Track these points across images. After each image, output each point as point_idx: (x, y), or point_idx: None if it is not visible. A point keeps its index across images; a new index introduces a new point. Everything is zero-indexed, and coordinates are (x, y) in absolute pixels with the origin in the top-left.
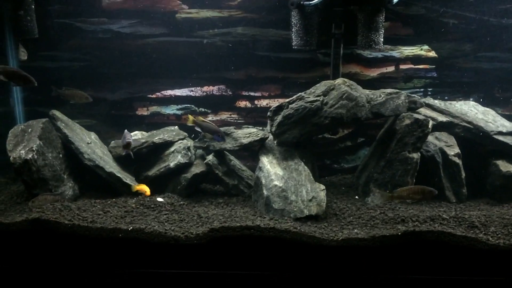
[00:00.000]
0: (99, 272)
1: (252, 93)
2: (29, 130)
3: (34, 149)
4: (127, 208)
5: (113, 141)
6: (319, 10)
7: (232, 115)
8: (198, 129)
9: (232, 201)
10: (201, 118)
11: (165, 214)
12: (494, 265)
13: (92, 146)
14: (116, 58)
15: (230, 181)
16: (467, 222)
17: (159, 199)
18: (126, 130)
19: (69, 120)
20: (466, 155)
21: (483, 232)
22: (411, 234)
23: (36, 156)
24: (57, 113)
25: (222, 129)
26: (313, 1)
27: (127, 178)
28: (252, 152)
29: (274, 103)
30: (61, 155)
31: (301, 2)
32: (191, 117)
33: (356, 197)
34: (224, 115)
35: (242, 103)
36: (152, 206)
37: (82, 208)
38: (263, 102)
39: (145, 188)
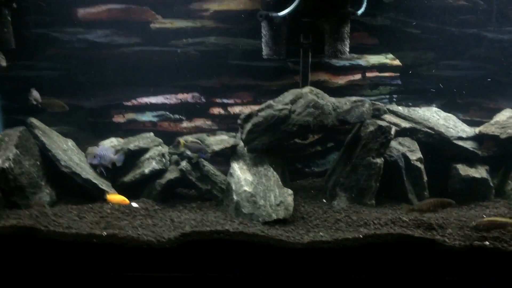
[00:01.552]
0: (74, 277)
1: (225, 100)
2: (6, 139)
3: (10, 158)
4: (102, 214)
5: (89, 148)
6: (287, 21)
7: (206, 122)
8: (189, 152)
9: (205, 205)
10: (190, 138)
11: (139, 219)
12: (450, 265)
13: (69, 153)
14: (93, 67)
15: (204, 186)
16: (426, 224)
17: (134, 205)
18: (95, 148)
19: (47, 127)
20: (429, 159)
21: (440, 234)
22: (372, 237)
23: (12, 165)
24: (34, 121)
25: (195, 135)
26: (281, 13)
27: (103, 184)
28: (226, 157)
29: (247, 109)
30: (38, 162)
31: (270, 14)
32: (182, 141)
33: (324, 200)
34: (198, 122)
35: (216, 110)
36: (127, 211)
37: (58, 214)
38: (236, 109)
39: (116, 199)
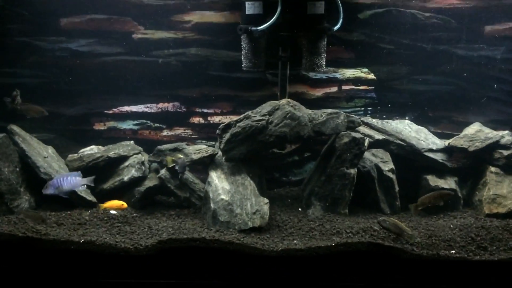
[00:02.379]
0: (51, 284)
1: (205, 110)
2: None
3: None
4: (81, 221)
5: (70, 155)
6: (266, 34)
7: (186, 131)
8: (177, 168)
9: (183, 213)
10: (178, 155)
11: (117, 226)
12: (418, 273)
13: (49, 160)
14: (74, 75)
15: (182, 194)
16: (396, 234)
17: (113, 212)
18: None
19: (27, 134)
20: (402, 169)
21: (409, 243)
22: (344, 245)
23: None
24: (15, 128)
25: (174, 144)
26: (260, 27)
27: (83, 191)
28: (205, 165)
29: (226, 119)
30: (18, 169)
31: (249, 28)
32: (169, 158)
33: (300, 209)
34: (179, 131)
35: (196, 119)
36: (105, 218)
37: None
38: (216, 119)
39: (115, 204)
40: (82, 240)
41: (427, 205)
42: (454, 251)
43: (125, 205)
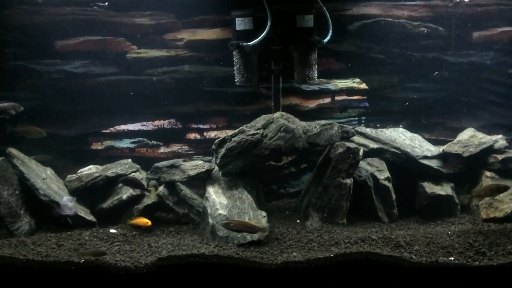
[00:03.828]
0: None
1: (201, 126)
2: None
3: None
4: (81, 241)
5: (68, 176)
6: (258, 49)
7: (183, 147)
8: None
9: (182, 229)
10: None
11: (117, 245)
12: (417, 281)
13: (48, 182)
14: (70, 96)
15: (181, 210)
16: (394, 242)
17: (112, 231)
18: (64, 199)
19: (26, 157)
20: (398, 177)
21: (408, 251)
22: (342, 256)
23: None
24: (13, 151)
25: (171, 161)
26: (251, 43)
27: (82, 211)
28: (203, 181)
29: (222, 134)
30: (17, 192)
31: (240, 44)
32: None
33: (298, 221)
34: (175, 147)
35: (192, 135)
36: (105, 237)
37: (37, 242)
38: (212, 134)
39: (141, 221)
40: (83, 260)
41: (483, 197)
42: (452, 258)
43: (150, 222)
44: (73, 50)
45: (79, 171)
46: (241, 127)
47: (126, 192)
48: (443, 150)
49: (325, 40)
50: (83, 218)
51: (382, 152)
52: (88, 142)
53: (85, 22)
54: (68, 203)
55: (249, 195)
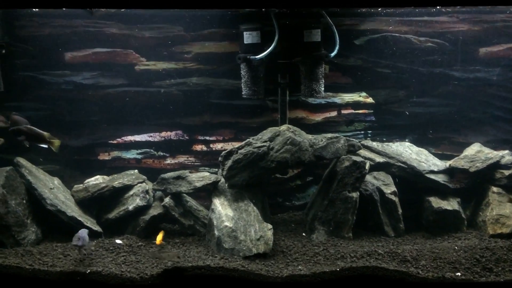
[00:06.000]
0: None
1: (207, 137)
2: None
3: None
4: (87, 251)
5: (75, 186)
6: (265, 62)
7: (189, 158)
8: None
9: (188, 240)
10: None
11: (123, 256)
12: None
13: (55, 191)
14: (79, 107)
15: (186, 222)
16: (400, 257)
17: (118, 241)
18: (79, 233)
19: (33, 166)
20: (404, 191)
21: (414, 266)
22: (348, 270)
23: None
24: (21, 160)
25: (178, 172)
26: (258, 56)
27: (88, 222)
28: (209, 193)
29: (228, 146)
30: (24, 201)
31: (248, 57)
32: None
33: (304, 234)
34: (182, 158)
35: (198, 147)
36: (111, 248)
37: (43, 252)
38: (218, 146)
39: (160, 235)
40: (88, 271)
41: None
42: (459, 273)
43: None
44: (83, 62)
45: (86, 181)
46: (247, 140)
47: (133, 203)
48: (450, 165)
49: (332, 54)
50: (89, 229)
51: (388, 166)
52: (95, 152)
53: (95, 35)
54: (84, 235)
55: (255, 208)
